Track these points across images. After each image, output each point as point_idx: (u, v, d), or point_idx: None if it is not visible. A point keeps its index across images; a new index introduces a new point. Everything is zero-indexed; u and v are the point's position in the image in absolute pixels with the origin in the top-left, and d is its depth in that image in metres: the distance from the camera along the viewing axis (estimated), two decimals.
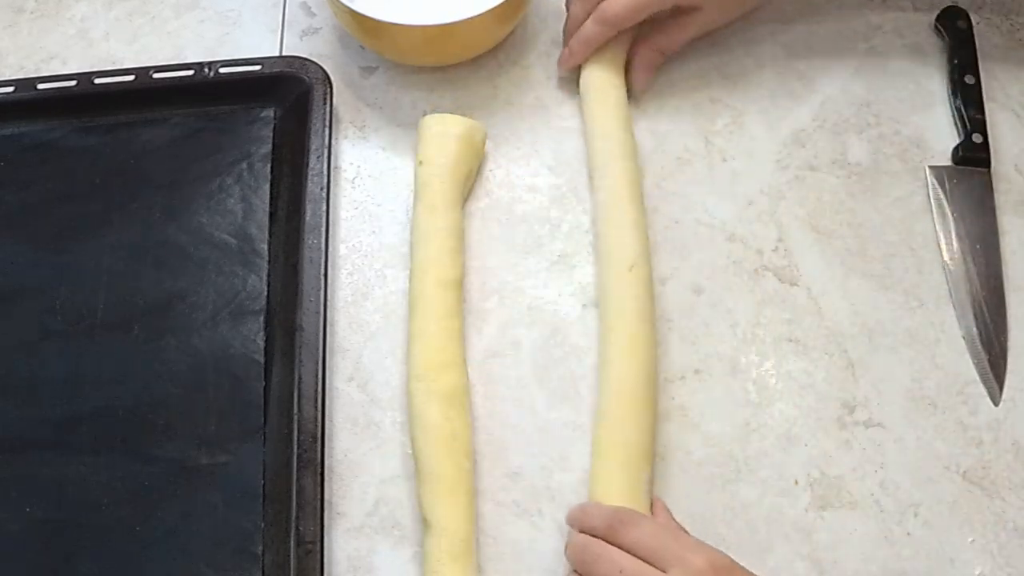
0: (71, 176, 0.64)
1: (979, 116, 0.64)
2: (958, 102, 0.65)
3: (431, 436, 0.53)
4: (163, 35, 0.71)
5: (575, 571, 0.49)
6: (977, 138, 0.63)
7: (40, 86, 0.65)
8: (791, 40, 0.68)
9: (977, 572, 0.52)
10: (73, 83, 0.65)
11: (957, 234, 0.60)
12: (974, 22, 0.68)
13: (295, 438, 0.53)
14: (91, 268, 0.60)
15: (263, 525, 0.53)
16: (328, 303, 0.57)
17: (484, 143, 0.63)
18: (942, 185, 0.62)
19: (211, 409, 0.56)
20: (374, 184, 0.64)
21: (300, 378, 0.54)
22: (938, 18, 0.68)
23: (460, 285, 0.58)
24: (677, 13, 0.63)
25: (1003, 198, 0.62)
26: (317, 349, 0.55)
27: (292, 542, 0.51)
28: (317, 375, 0.54)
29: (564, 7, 0.67)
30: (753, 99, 0.66)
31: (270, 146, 0.64)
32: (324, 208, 0.59)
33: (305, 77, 0.64)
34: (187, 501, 0.54)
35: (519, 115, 0.66)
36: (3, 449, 0.55)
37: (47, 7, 0.72)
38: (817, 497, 0.54)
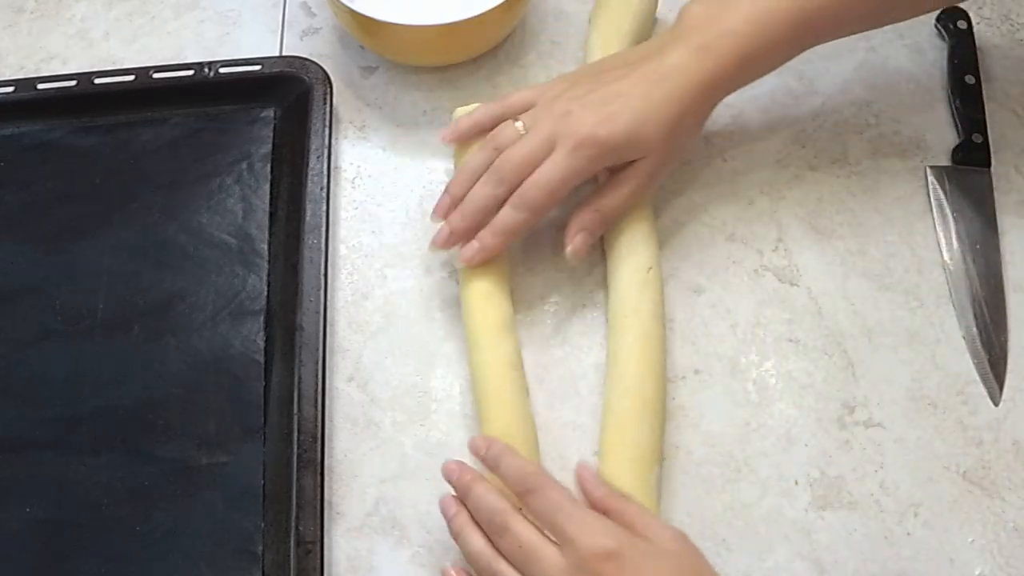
0: (71, 176, 0.64)
1: (979, 116, 0.64)
2: (958, 102, 0.65)
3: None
4: (163, 35, 0.71)
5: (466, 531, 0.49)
6: (977, 138, 0.63)
7: (40, 86, 0.65)
8: None
9: (977, 572, 0.52)
10: (73, 83, 0.65)
11: (957, 234, 0.60)
12: (974, 22, 0.68)
13: (295, 438, 0.53)
14: (91, 268, 0.60)
15: (263, 525, 0.53)
16: (328, 303, 0.57)
17: None
18: (942, 185, 0.62)
19: (211, 409, 0.56)
20: (374, 184, 0.64)
21: (300, 378, 0.54)
22: (938, 18, 0.68)
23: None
24: (612, 172, 0.57)
25: (1003, 198, 0.62)
26: (317, 349, 0.55)
27: (292, 542, 0.51)
28: (317, 375, 0.54)
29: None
30: (753, 99, 0.66)
31: (270, 146, 0.64)
32: (324, 208, 0.59)
33: (305, 77, 0.64)
34: (187, 501, 0.54)
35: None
36: (3, 449, 0.55)
37: (47, 7, 0.72)
38: (817, 497, 0.54)
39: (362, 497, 0.54)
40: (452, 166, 0.64)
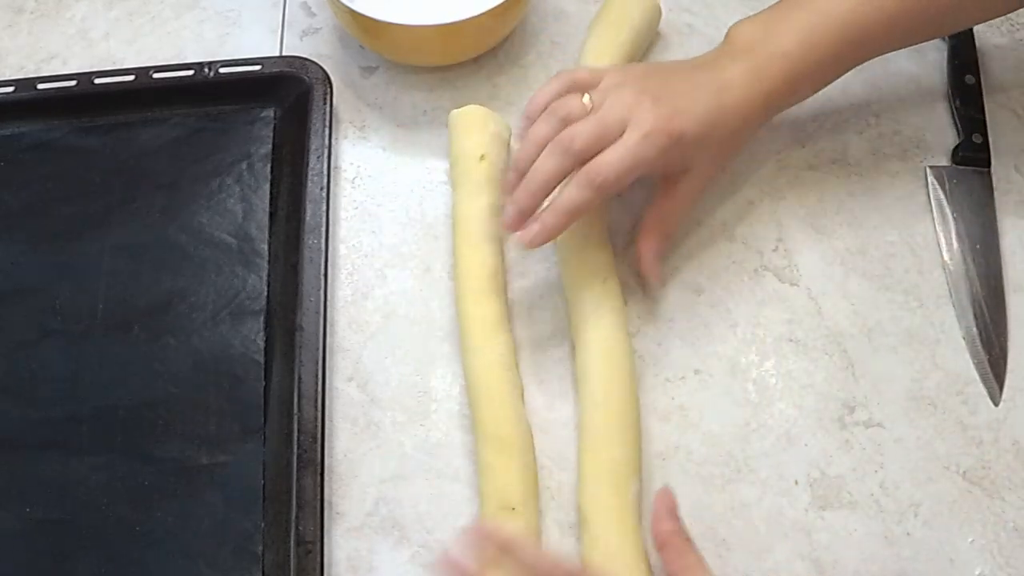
0: (71, 176, 0.64)
1: (979, 116, 0.64)
2: (958, 102, 0.65)
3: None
4: (163, 35, 0.71)
5: None
6: (977, 138, 0.63)
7: (40, 86, 0.65)
8: None
9: (977, 572, 0.52)
10: (73, 83, 0.65)
11: (957, 234, 0.60)
12: None
13: (295, 438, 0.53)
14: (91, 268, 0.60)
15: (263, 525, 0.53)
16: (328, 303, 0.57)
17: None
18: (942, 185, 0.62)
19: (211, 409, 0.56)
20: (374, 184, 0.64)
21: (300, 378, 0.54)
22: None
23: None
24: (665, 185, 0.57)
25: (1003, 198, 0.62)
26: (317, 349, 0.55)
27: (292, 542, 0.51)
28: (317, 375, 0.54)
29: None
30: None
31: (270, 146, 0.64)
32: (324, 208, 0.59)
33: (305, 77, 0.64)
34: (187, 501, 0.54)
35: (519, 115, 0.65)
36: (3, 449, 0.55)
37: (47, 7, 0.72)
38: (817, 497, 0.54)
39: (362, 497, 0.54)
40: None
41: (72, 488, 0.54)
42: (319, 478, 0.52)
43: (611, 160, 0.52)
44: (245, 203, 0.62)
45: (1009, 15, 0.69)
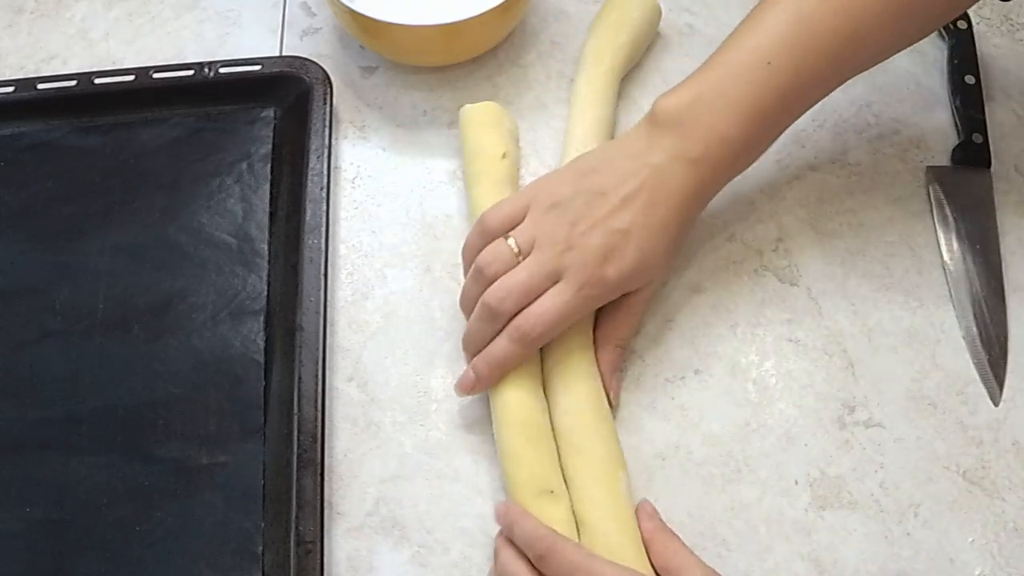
0: (71, 176, 0.64)
1: (979, 116, 0.64)
2: (958, 102, 0.65)
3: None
4: (163, 35, 0.71)
5: None
6: (977, 138, 0.63)
7: (40, 86, 0.65)
8: None
9: (977, 572, 0.52)
10: (73, 83, 0.65)
11: (957, 234, 0.60)
12: (974, 22, 0.68)
13: (295, 438, 0.53)
14: (91, 268, 0.60)
15: (263, 525, 0.53)
16: (328, 303, 0.57)
17: None
18: (942, 185, 0.62)
19: (211, 409, 0.56)
20: (374, 184, 0.64)
21: (300, 378, 0.54)
22: None
23: None
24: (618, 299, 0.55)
25: (1003, 198, 0.62)
26: (317, 349, 0.55)
27: (292, 542, 0.51)
28: (317, 375, 0.54)
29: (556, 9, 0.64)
30: None
31: (270, 146, 0.64)
32: (324, 208, 0.59)
33: (305, 77, 0.64)
34: (187, 501, 0.54)
35: (519, 115, 0.66)
36: (3, 449, 0.55)
37: (47, 7, 0.72)
38: (817, 497, 0.54)
39: (362, 497, 0.54)
40: (452, 166, 0.64)
41: (72, 488, 0.54)
42: (319, 478, 0.52)
43: (542, 315, 0.51)
44: (245, 203, 0.62)
45: (1009, 15, 0.69)
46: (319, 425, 0.53)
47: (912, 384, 0.57)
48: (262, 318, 0.59)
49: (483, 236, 0.54)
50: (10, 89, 0.65)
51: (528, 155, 0.64)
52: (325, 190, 0.60)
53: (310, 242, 0.58)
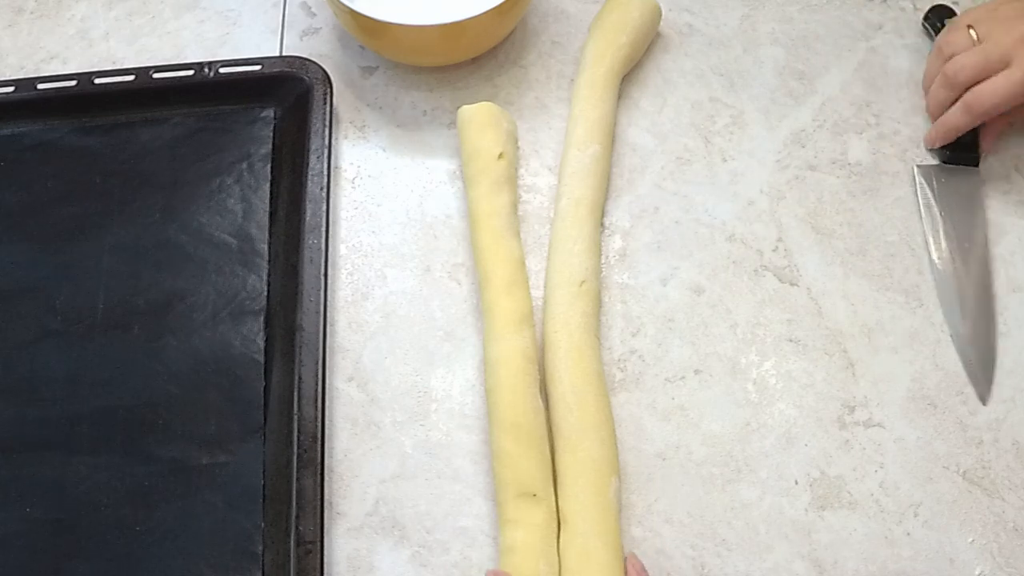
0: (71, 176, 0.64)
1: None
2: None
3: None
4: (163, 35, 0.71)
5: None
6: (965, 136, 0.62)
7: (40, 86, 0.65)
8: (791, 40, 0.68)
9: (977, 572, 0.52)
10: (73, 83, 0.65)
11: (945, 233, 0.61)
12: None
13: (295, 438, 0.53)
14: (91, 268, 0.60)
15: (263, 525, 0.53)
16: (328, 303, 0.57)
17: None
18: (930, 184, 0.62)
19: (211, 409, 0.56)
20: (374, 184, 0.64)
21: (300, 378, 0.54)
22: (926, 17, 0.68)
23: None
24: None
25: (1003, 198, 0.62)
26: (317, 349, 0.55)
27: (292, 542, 0.51)
28: (317, 375, 0.54)
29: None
30: (753, 99, 0.66)
31: (270, 146, 0.64)
32: (324, 208, 0.59)
33: (305, 77, 0.64)
34: (187, 501, 0.54)
35: (519, 115, 0.66)
36: (3, 449, 0.55)
37: (47, 7, 0.72)
38: (817, 497, 0.54)
39: (362, 497, 0.55)
40: (452, 166, 0.64)
41: (72, 488, 0.54)
42: (319, 478, 0.52)
43: (991, 91, 0.58)
44: (245, 203, 0.62)
45: None
46: (319, 425, 0.53)
47: (912, 384, 0.57)
48: (262, 318, 0.59)
49: (950, 30, 0.63)
50: (10, 89, 0.65)
51: (528, 155, 0.64)
52: (325, 190, 0.60)
53: (310, 242, 0.58)
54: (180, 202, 0.63)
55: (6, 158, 0.64)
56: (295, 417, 0.54)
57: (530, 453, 0.52)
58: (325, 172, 0.61)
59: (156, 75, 0.65)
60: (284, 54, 0.69)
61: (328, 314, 0.57)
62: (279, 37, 0.70)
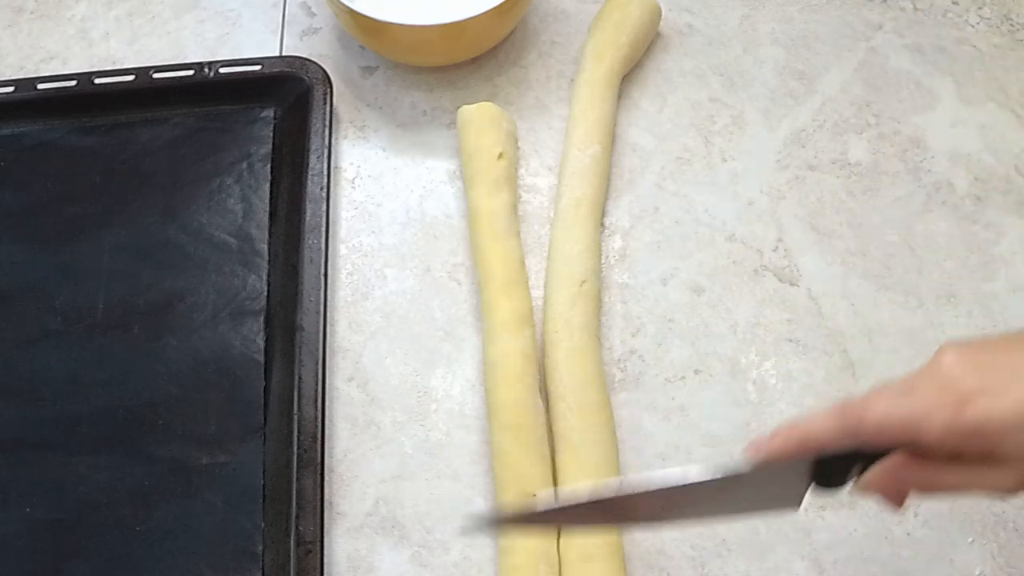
0: (71, 176, 0.64)
1: None
2: None
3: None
4: (163, 35, 0.71)
5: None
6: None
7: (40, 86, 0.65)
8: (791, 40, 0.68)
9: (977, 572, 0.52)
10: (73, 83, 0.65)
11: None
12: (974, 22, 0.68)
13: (295, 438, 0.53)
14: (91, 268, 0.60)
15: (263, 525, 0.53)
16: (328, 303, 0.57)
17: None
18: None
19: (211, 409, 0.56)
20: (374, 184, 0.64)
21: (300, 378, 0.54)
22: None
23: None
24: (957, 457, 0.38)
25: (1003, 198, 0.62)
26: (317, 349, 0.55)
27: (292, 542, 0.51)
28: (317, 375, 0.54)
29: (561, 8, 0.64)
30: (753, 99, 0.66)
31: (270, 146, 0.64)
32: (324, 208, 0.59)
33: (305, 77, 0.64)
34: (187, 501, 0.54)
35: (519, 115, 0.66)
36: (3, 449, 0.55)
37: (47, 7, 0.72)
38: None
39: (362, 497, 0.54)
40: (452, 166, 0.64)
41: (72, 488, 0.54)
42: (319, 478, 0.52)
43: (880, 403, 0.38)
44: (245, 203, 0.62)
45: (1009, 15, 0.69)
46: (319, 425, 0.53)
47: None
48: (262, 318, 0.59)
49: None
50: (10, 89, 0.65)
51: (528, 155, 0.64)
52: (325, 190, 0.60)
53: (310, 242, 0.58)
54: (180, 202, 0.63)
55: (6, 158, 0.64)
56: (295, 417, 0.54)
57: (530, 453, 0.52)
58: (325, 172, 0.61)
59: (156, 75, 0.65)
60: (284, 54, 0.69)
61: (328, 314, 0.57)
62: (279, 37, 0.70)
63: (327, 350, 0.56)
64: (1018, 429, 0.36)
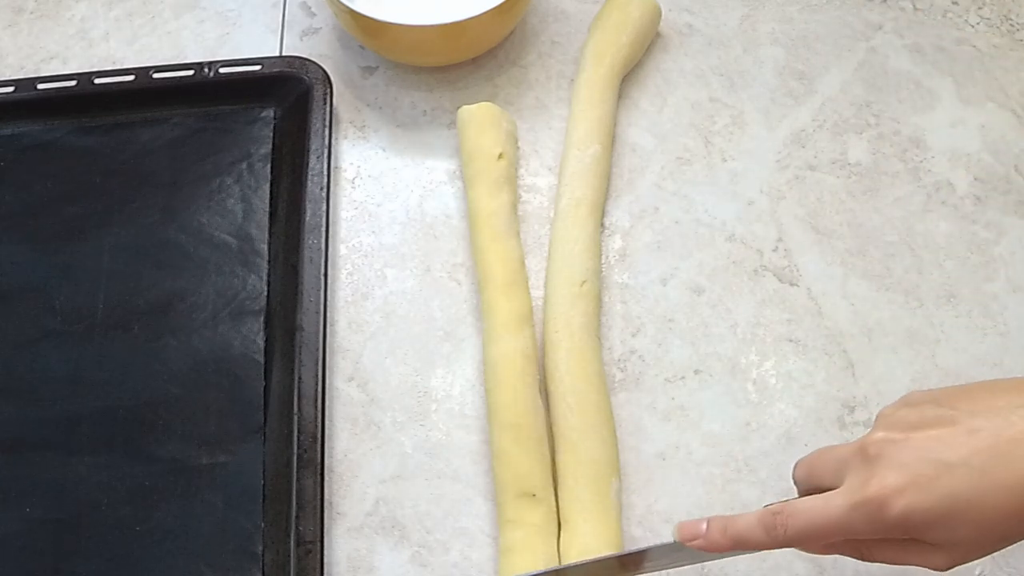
0: (71, 176, 0.64)
1: None
2: None
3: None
4: (163, 35, 0.71)
5: None
6: None
7: (40, 86, 0.65)
8: (791, 40, 0.68)
9: (977, 572, 0.52)
10: (73, 83, 0.65)
11: None
12: (974, 22, 0.68)
13: (295, 438, 0.53)
14: (91, 268, 0.60)
15: (263, 525, 0.53)
16: (328, 303, 0.57)
17: None
18: None
19: (211, 409, 0.56)
20: (374, 184, 0.64)
21: (300, 378, 0.54)
22: None
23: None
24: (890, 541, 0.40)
25: (1003, 198, 0.62)
26: (317, 349, 0.55)
27: (292, 542, 0.51)
28: (317, 375, 0.54)
29: (556, 11, 0.64)
30: (753, 99, 0.66)
31: (270, 146, 0.64)
32: (324, 208, 0.59)
33: (305, 77, 0.64)
34: (187, 501, 0.54)
35: (519, 115, 0.66)
36: (3, 449, 0.55)
37: (47, 7, 0.72)
38: None
39: (362, 497, 0.54)
40: (452, 166, 0.64)
41: (72, 488, 0.54)
42: (319, 478, 0.52)
43: (801, 513, 0.40)
44: (245, 203, 0.62)
45: (1009, 15, 0.69)
46: (319, 425, 0.53)
47: (912, 384, 0.57)
48: (262, 318, 0.59)
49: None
50: (10, 89, 0.65)
51: (528, 155, 0.64)
52: (325, 190, 0.60)
53: (310, 242, 0.58)
54: (180, 202, 0.63)
55: (6, 158, 0.64)
56: (295, 417, 0.54)
57: (530, 453, 0.52)
58: (325, 172, 0.61)
59: (156, 75, 0.65)
60: (284, 54, 0.69)
61: (328, 314, 0.57)
62: (279, 37, 0.70)
63: (327, 350, 0.56)
64: (941, 522, 0.37)
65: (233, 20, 0.71)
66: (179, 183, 0.63)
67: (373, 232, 0.62)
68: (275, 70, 0.65)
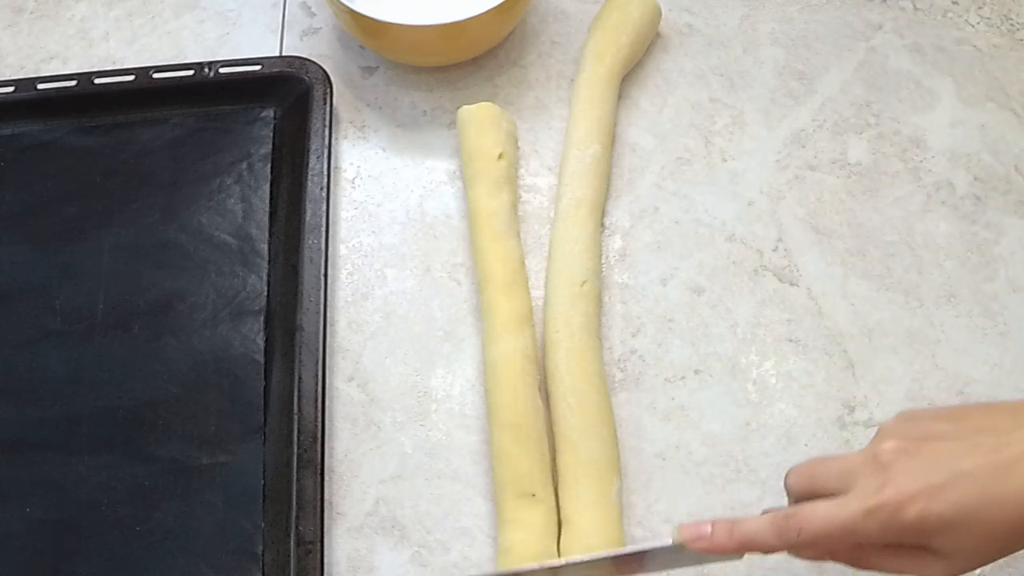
0: (71, 176, 0.64)
1: None
2: None
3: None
4: (163, 35, 0.71)
5: None
6: None
7: (40, 86, 0.65)
8: (791, 40, 0.68)
9: (977, 572, 0.52)
10: (73, 83, 0.65)
11: None
12: (974, 22, 0.68)
13: (295, 438, 0.53)
14: (91, 268, 0.60)
15: (263, 525, 0.53)
16: (328, 303, 0.57)
17: None
18: None
19: (211, 409, 0.56)
20: (374, 184, 0.64)
21: (300, 378, 0.54)
22: None
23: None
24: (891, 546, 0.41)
25: (1003, 198, 0.62)
26: (317, 349, 0.55)
27: (292, 542, 0.51)
28: (317, 375, 0.54)
29: (563, 9, 0.64)
30: (753, 99, 0.66)
31: (270, 146, 0.64)
32: (324, 208, 0.59)
33: (305, 77, 0.64)
34: (187, 501, 0.54)
35: (519, 115, 0.66)
36: (3, 449, 0.55)
37: (47, 7, 0.72)
38: None
39: (362, 497, 0.54)
40: (452, 166, 0.64)
41: (72, 488, 0.54)
42: (319, 478, 0.52)
43: (816, 516, 0.40)
44: (245, 203, 0.62)
45: (1009, 15, 0.69)
46: (319, 425, 0.53)
47: (912, 384, 0.57)
48: (262, 318, 0.59)
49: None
50: (10, 89, 0.65)
51: (528, 155, 0.64)
52: (325, 190, 0.60)
53: (310, 242, 0.58)
54: (180, 202, 0.63)
55: (6, 158, 0.64)
56: (295, 417, 0.54)
57: (530, 453, 0.52)
58: (325, 172, 0.61)
59: (156, 75, 0.65)
60: (284, 54, 0.69)
61: (328, 314, 0.57)
62: (279, 37, 0.70)
63: (327, 350, 0.56)
64: (951, 529, 0.39)
65: (233, 20, 0.71)
66: (179, 183, 0.63)
67: (373, 232, 0.62)
68: (275, 70, 0.65)
